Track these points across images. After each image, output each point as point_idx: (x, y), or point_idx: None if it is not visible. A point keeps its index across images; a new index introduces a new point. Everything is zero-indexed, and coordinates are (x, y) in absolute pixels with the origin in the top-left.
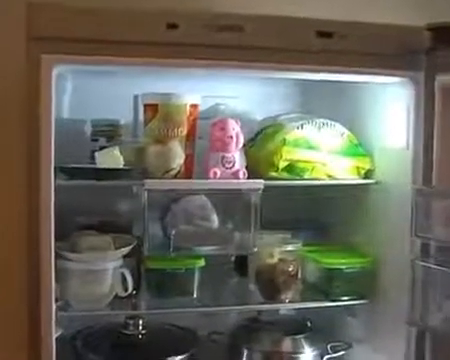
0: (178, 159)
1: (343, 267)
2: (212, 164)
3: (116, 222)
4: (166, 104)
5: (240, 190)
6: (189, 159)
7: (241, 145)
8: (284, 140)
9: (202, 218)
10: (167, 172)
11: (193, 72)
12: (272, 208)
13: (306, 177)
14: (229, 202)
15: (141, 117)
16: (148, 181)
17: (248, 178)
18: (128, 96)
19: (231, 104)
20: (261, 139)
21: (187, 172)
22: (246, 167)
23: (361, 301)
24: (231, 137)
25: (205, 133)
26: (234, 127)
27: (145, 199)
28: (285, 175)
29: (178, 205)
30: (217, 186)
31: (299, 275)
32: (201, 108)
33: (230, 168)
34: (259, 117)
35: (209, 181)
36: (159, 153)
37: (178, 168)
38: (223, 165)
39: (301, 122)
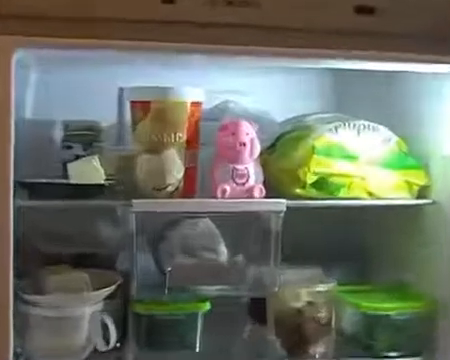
0: (176, 172)
1: (391, 313)
2: (220, 179)
3: (95, 254)
4: (160, 101)
5: (256, 212)
6: (190, 172)
7: (257, 154)
8: (313, 148)
9: (207, 249)
10: (162, 189)
11: (195, 60)
12: (298, 236)
13: (341, 196)
14: (242, 228)
15: (128, 118)
16: (137, 201)
17: (266, 197)
18: (111, 90)
19: (244, 101)
20: (283, 146)
21: (187, 189)
22: (264, 183)
23: (414, 358)
24: (244, 144)
25: (211, 139)
26: (248, 131)
27: (133, 224)
28: (314, 193)
29: (176, 232)
30: (226, 207)
31: (333, 323)
32: (205, 107)
33: (243, 184)
34: (280, 117)
35: (216, 201)
36: (151, 165)
37: (176, 184)
38: (234, 180)
39: (335, 124)
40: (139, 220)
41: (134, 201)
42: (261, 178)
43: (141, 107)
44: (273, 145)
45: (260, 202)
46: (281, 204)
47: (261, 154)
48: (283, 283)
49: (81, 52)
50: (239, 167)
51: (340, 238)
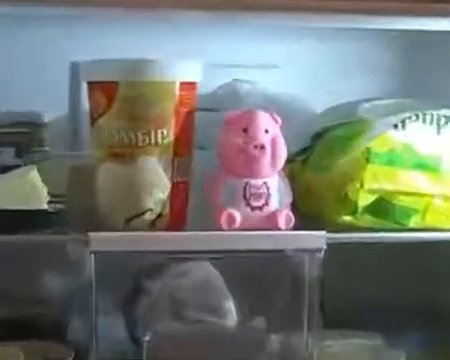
0: (158, 191)
1: None
2: (226, 200)
3: (35, 317)
4: (134, 81)
5: (282, 252)
6: (180, 191)
7: (282, 162)
8: (368, 152)
9: (206, 308)
10: (136, 217)
11: (187, 19)
12: (345, 286)
13: (413, 226)
14: (260, 276)
15: (85, 107)
16: (97, 235)
17: (297, 228)
18: (60, 67)
19: (262, 80)
20: (323, 150)
21: (176, 217)
22: (292, 205)
23: None
24: (262, 146)
25: (212, 139)
26: (268, 126)
27: (92, 271)
28: (370, 221)
29: (158, 283)
30: (235, 244)
31: None
32: (204, 89)
33: (261, 208)
34: (319, 105)
35: (220, 234)
36: (120, 179)
37: (158, 209)
38: (247, 202)
39: (402, 116)
40: (101, 264)
41: (92, 235)
42: (288, 199)
43: (105, 91)
44: (308, 148)
45: (287, 236)
46: (320, 239)
47: (289, 162)
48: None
49: (16, 8)
50: (255, 182)
51: (411, 290)
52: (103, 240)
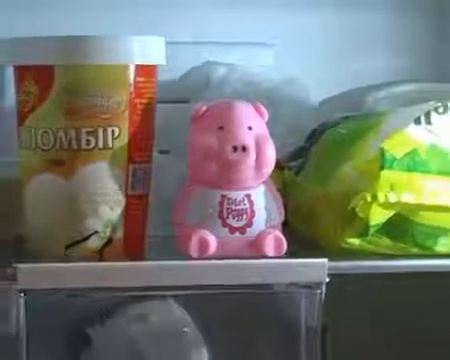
0: (106, 208)
1: None
2: (196, 219)
3: None
4: (74, 66)
5: (270, 287)
6: (136, 208)
7: (270, 168)
8: (381, 153)
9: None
10: (78, 243)
11: None
12: (355, 329)
13: (442, 251)
14: (242, 319)
15: (11, 100)
16: (27, 268)
17: (290, 254)
18: None
19: (248, 60)
20: (322, 153)
21: (131, 242)
22: (284, 226)
23: None
24: (244, 148)
25: (177, 139)
26: (251, 123)
27: (21, 317)
28: (384, 244)
29: (107, 330)
30: (208, 278)
31: None
32: (167, 75)
33: (242, 229)
34: (321, 93)
35: (187, 264)
36: (56, 194)
37: (108, 232)
38: (224, 222)
39: (427, 107)
40: (33, 309)
41: (21, 268)
42: (279, 217)
43: (37, 78)
44: (303, 151)
45: (277, 266)
46: (320, 269)
47: (280, 168)
48: None
49: None
50: (234, 195)
51: (440, 333)
52: (36, 274)
